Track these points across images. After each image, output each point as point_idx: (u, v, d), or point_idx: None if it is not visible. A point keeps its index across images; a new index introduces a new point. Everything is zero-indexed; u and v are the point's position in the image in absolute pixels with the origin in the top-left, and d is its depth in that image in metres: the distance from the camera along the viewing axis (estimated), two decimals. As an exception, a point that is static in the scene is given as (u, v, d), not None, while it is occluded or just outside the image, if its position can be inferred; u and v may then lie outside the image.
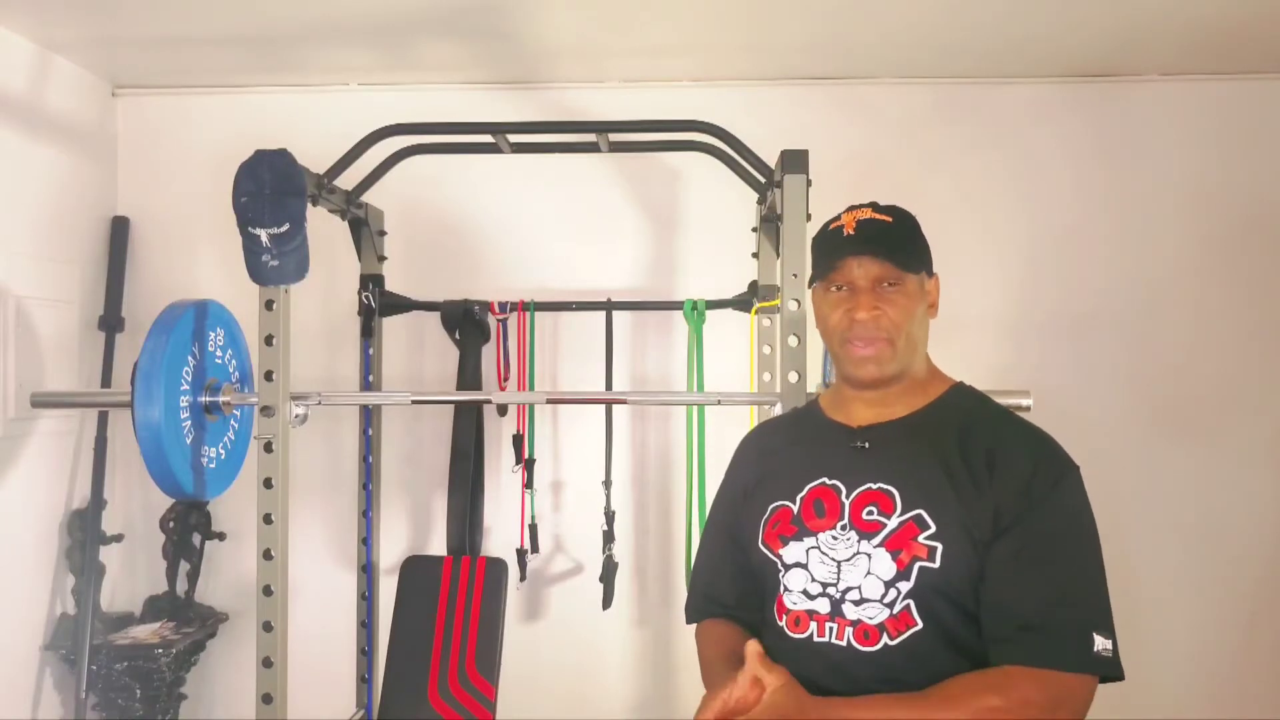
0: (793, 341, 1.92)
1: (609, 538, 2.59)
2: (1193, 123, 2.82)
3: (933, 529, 1.31)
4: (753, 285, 2.54)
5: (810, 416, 1.54)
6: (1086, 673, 1.27)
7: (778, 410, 1.96)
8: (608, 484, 2.63)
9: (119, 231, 2.87)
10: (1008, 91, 2.84)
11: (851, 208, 1.45)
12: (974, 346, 2.78)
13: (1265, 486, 2.80)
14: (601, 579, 2.59)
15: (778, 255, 2.13)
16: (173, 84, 2.92)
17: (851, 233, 1.40)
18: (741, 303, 2.58)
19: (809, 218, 1.93)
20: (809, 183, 1.95)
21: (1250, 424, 2.80)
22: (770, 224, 2.35)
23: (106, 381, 2.77)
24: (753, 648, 1.33)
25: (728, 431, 2.62)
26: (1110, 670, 1.28)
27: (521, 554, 2.66)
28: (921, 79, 2.84)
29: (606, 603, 2.59)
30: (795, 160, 1.94)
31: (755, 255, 2.53)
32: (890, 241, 1.39)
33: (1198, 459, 2.80)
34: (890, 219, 1.42)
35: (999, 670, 1.28)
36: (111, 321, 2.81)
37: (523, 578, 2.66)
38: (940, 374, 1.50)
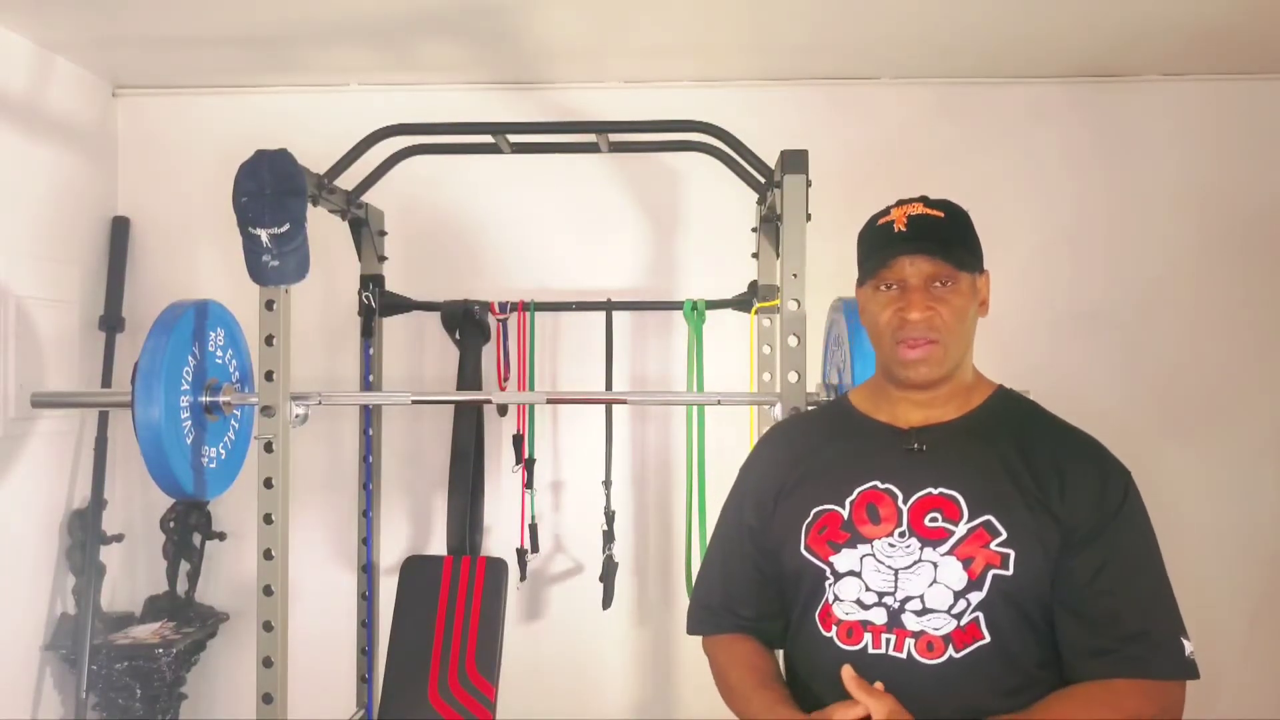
0: (792, 341, 1.92)
1: (609, 538, 2.59)
2: (1193, 123, 2.82)
3: (1004, 535, 1.27)
4: (753, 285, 2.53)
5: (846, 415, 1.47)
6: (1184, 678, 1.27)
7: (777, 410, 1.96)
8: (608, 484, 2.63)
9: (119, 231, 2.87)
10: (1008, 91, 2.84)
11: (901, 202, 1.40)
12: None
13: (1265, 485, 2.80)
14: (601, 579, 2.59)
15: (778, 255, 2.13)
16: (173, 84, 2.92)
17: (903, 229, 1.34)
18: (741, 303, 2.58)
19: (809, 218, 1.93)
20: (809, 183, 1.95)
21: (1250, 423, 2.81)
22: (770, 224, 2.35)
23: (107, 381, 2.77)
24: (849, 674, 1.25)
25: (728, 431, 2.63)
26: (1196, 673, 1.27)
27: (521, 554, 2.66)
28: (921, 79, 2.84)
29: (606, 603, 2.59)
30: (795, 160, 1.94)
31: (755, 255, 2.53)
32: (944, 239, 1.34)
33: (1197, 458, 2.80)
34: (943, 214, 1.36)
35: (1103, 685, 1.25)
36: (112, 321, 2.81)
37: (523, 578, 2.66)
38: (983, 376, 1.46)
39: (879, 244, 1.37)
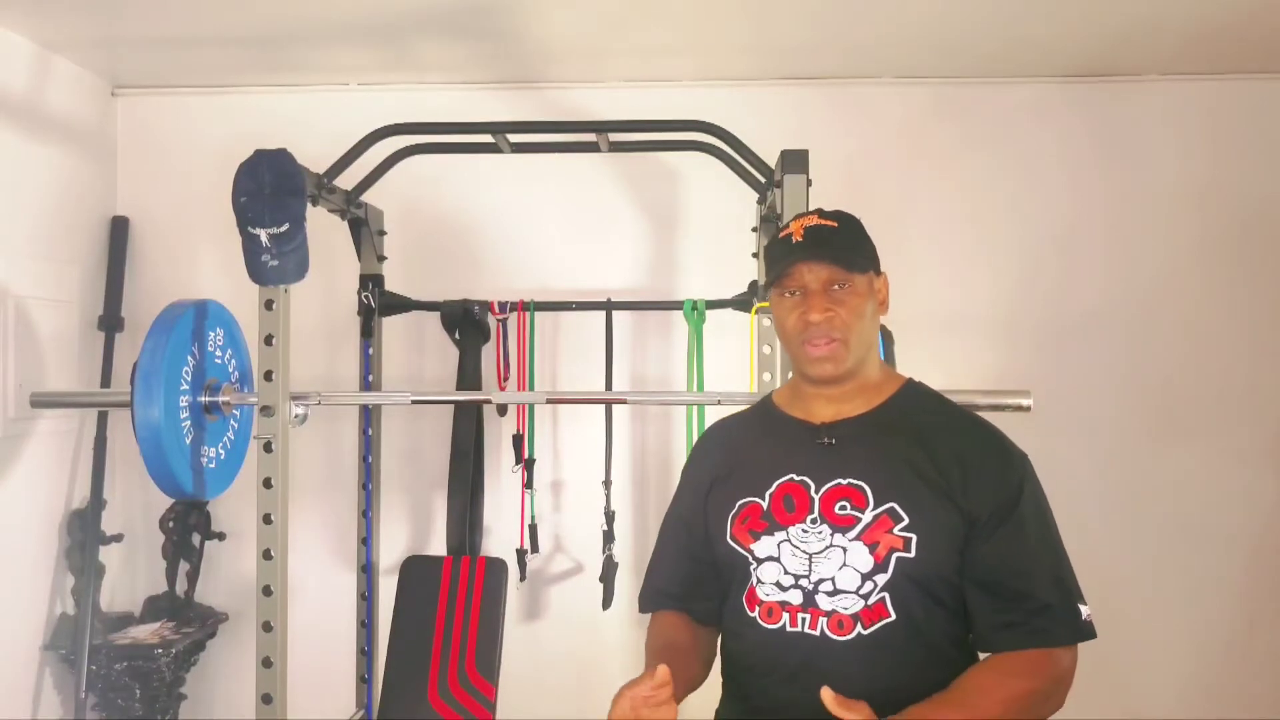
0: (793, 341, 1.92)
1: (609, 537, 2.59)
2: (1192, 123, 2.82)
3: (906, 520, 1.37)
4: (753, 285, 2.54)
5: (768, 413, 1.58)
6: (1081, 641, 1.37)
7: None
8: (608, 484, 2.63)
9: (119, 231, 2.87)
10: (1007, 91, 2.84)
11: (798, 216, 1.51)
12: (972, 346, 2.79)
13: (1262, 486, 2.80)
14: (601, 579, 2.59)
15: (778, 255, 2.12)
16: (173, 84, 2.92)
17: (800, 239, 1.45)
18: (741, 303, 2.58)
19: (809, 218, 1.93)
20: (809, 183, 1.95)
21: (1247, 423, 2.81)
22: (770, 224, 2.35)
23: (106, 381, 2.77)
24: (828, 695, 1.28)
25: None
26: (1094, 634, 1.37)
27: (521, 554, 2.66)
28: (921, 79, 2.84)
29: (606, 602, 2.59)
30: (795, 160, 1.94)
31: (755, 255, 2.53)
32: (837, 245, 1.45)
33: (1195, 459, 2.80)
34: (836, 224, 1.47)
35: (1018, 655, 1.35)
36: (111, 321, 2.81)
37: (523, 577, 2.66)
38: (891, 371, 1.56)
39: (779, 254, 1.48)
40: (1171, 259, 2.81)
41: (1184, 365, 2.81)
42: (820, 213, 1.49)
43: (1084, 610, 1.37)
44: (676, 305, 2.65)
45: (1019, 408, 1.91)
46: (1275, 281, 2.81)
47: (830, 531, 1.39)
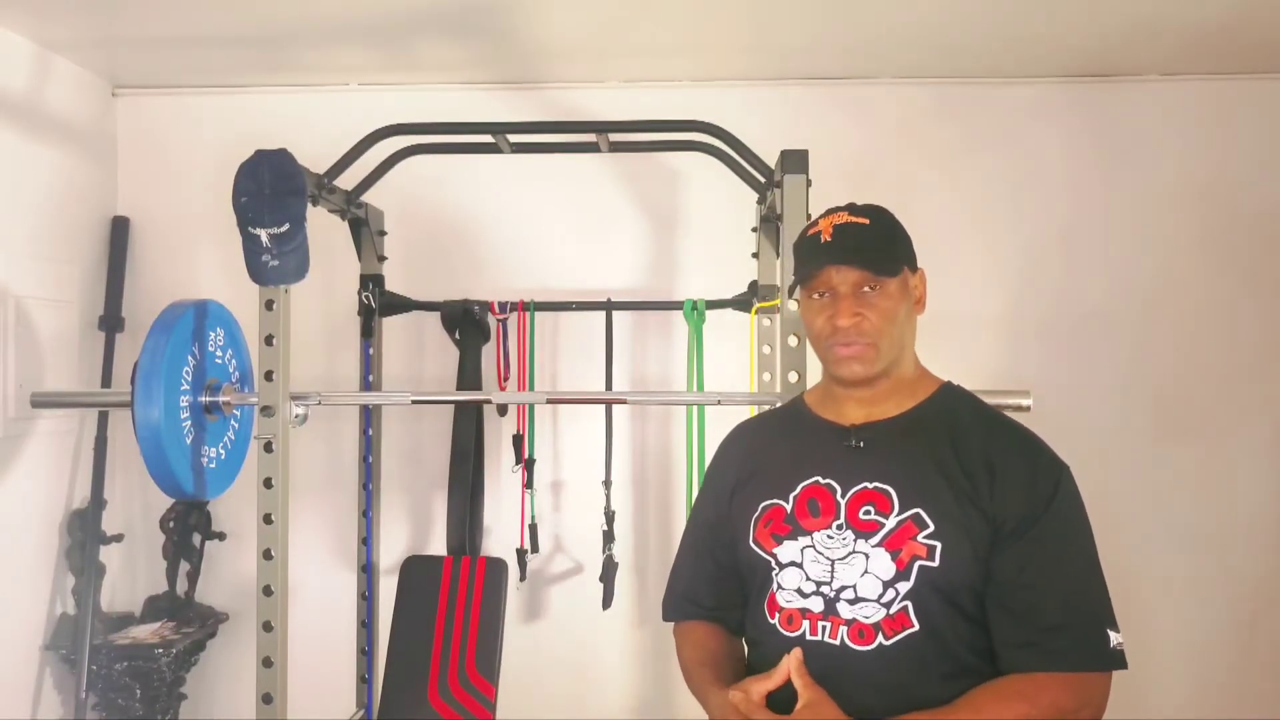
0: (792, 341, 1.92)
1: (609, 538, 2.59)
2: (1193, 123, 2.82)
3: (931, 528, 1.31)
4: (753, 285, 2.54)
5: (798, 414, 1.53)
6: (1106, 670, 1.29)
7: (778, 410, 1.96)
8: (608, 484, 2.63)
9: (119, 231, 2.87)
10: (1008, 91, 2.84)
11: (829, 211, 1.45)
12: (973, 346, 2.79)
13: (1264, 486, 2.80)
14: (601, 579, 2.59)
15: (777, 255, 2.13)
16: (173, 84, 2.92)
17: (829, 239, 1.40)
18: (741, 303, 2.58)
19: (809, 218, 1.93)
20: (809, 183, 1.95)
21: (1249, 424, 2.81)
22: (770, 224, 2.35)
23: (106, 381, 2.77)
24: (796, 656, 1.32)
25: (728, 431, 2.63)
26: (1123, 664, 1.30)
27: (521, 554, 2.66)
28: (921, 79, 2.84)
29: (606, 603, 2.59)
30: (795, 160, 1.94)
31: (755, 255, 2.53)
32: (868, 247, 1.39)
33: (1196, 459, 2.80)
34: (867, 220, 1.41)
35: (1025, 677, 1.29)
36: (111, 321, 2.81)
37: (523, 578, 2.66)
38: (928, 373, 1.50)
39: (807, 254, 1.43)
40: (1172, 259, 2.81)
41: (1185, 365, 2.81)
42: (851, 208, 1.43)
43: (1113, 637, 1.29)
44: (676, 305, 2.65)
45: (1018, 408, 1.91)
46: (1275, 281, 2.81)
47: (853, 537, 1.34)
